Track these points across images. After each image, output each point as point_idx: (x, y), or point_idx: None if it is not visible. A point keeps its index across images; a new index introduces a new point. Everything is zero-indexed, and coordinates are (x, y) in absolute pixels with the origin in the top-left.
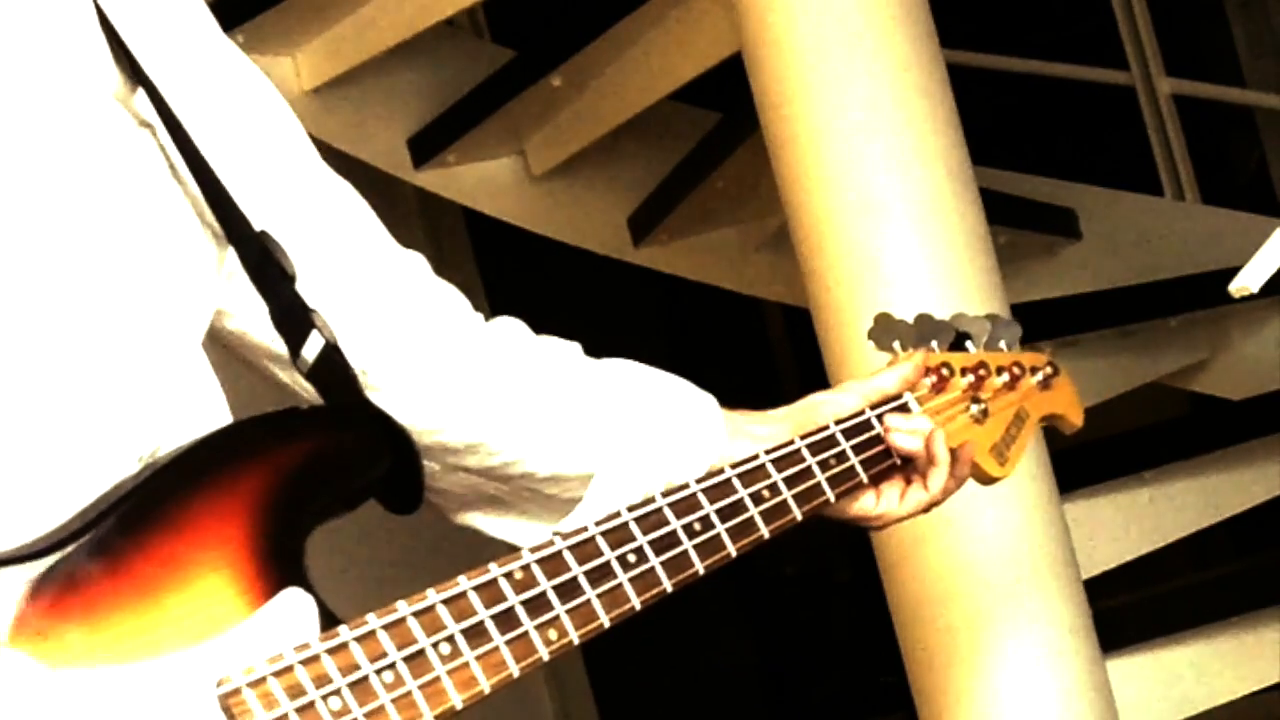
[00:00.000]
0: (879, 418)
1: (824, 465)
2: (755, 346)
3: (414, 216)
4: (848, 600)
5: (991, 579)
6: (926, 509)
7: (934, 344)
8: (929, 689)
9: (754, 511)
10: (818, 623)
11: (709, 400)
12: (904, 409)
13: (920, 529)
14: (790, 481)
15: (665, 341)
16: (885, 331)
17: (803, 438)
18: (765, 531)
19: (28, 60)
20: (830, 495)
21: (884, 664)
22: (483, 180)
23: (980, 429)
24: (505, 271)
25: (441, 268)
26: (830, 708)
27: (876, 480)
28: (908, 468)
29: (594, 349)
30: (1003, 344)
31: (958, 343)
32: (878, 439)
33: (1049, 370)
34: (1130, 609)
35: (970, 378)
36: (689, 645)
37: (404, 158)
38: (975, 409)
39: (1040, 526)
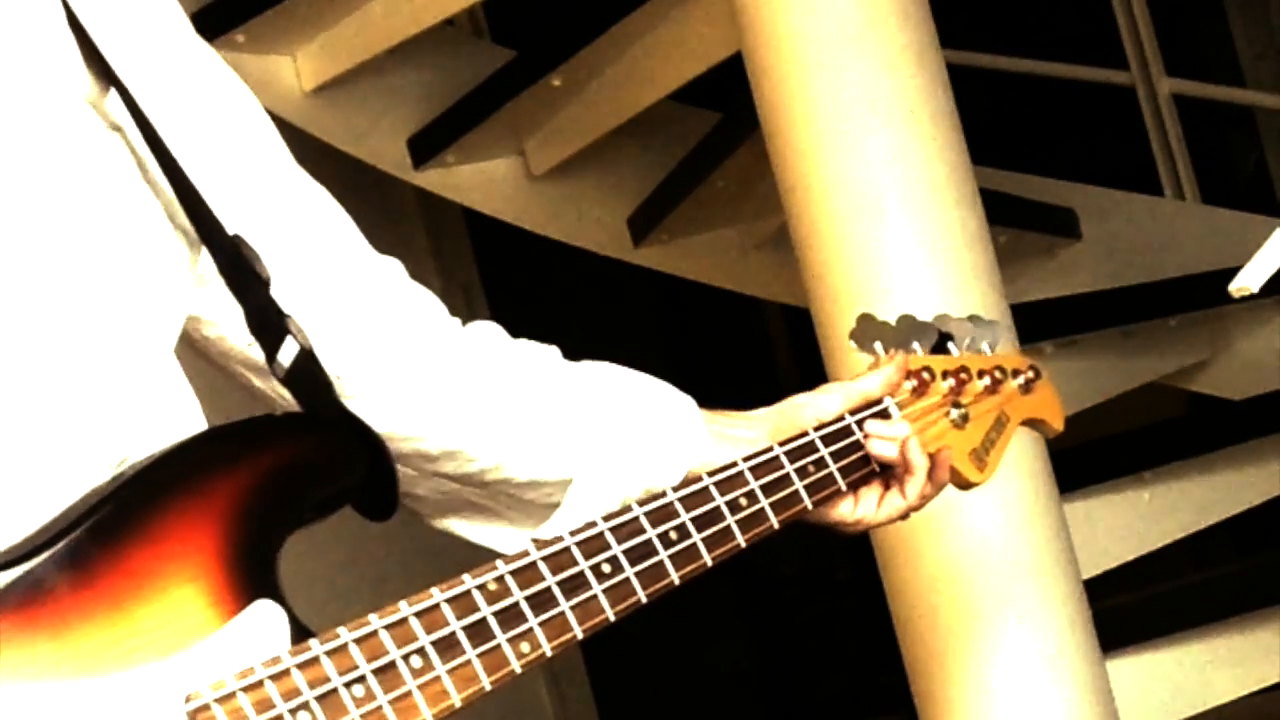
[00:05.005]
0: (859, 424)
1: (801, 473)
2: (755, 346)
3: (414, 216)
4: (847, 600)
5: (992, 579)
6: (904, 515)
7: (916, 345)
8: (929, 690)
9: (730, 520)
10: (817, 623)
11: (688, 402)
12: (884, 414)
13: (921, 530)
14: (768, 489)
15: (665, 341)
16: (867, 333)
17: (781, 444)
18: (742, 540)
19: None
20: (808, 503)
21: (884, 664)
22: (483, 180)
23: (960, 434)
24: (505, 271)
25: (442, 268)
26: (830, 708)
27: (855, 486)
28: (886, 474)
29: (594, 349)
30: (985, 346)
31: (940, 344)
32: (857, 445)
33: (1030, 374)
34: (1130, 609)
35: (951, 381)
36: (688, 645)
37: (404, 158)
38: (955, 413)
39: (1040, 526)
